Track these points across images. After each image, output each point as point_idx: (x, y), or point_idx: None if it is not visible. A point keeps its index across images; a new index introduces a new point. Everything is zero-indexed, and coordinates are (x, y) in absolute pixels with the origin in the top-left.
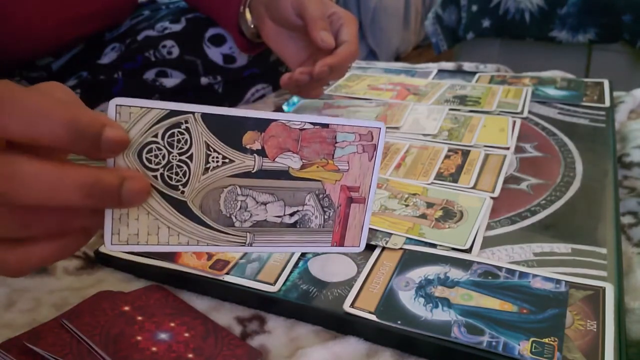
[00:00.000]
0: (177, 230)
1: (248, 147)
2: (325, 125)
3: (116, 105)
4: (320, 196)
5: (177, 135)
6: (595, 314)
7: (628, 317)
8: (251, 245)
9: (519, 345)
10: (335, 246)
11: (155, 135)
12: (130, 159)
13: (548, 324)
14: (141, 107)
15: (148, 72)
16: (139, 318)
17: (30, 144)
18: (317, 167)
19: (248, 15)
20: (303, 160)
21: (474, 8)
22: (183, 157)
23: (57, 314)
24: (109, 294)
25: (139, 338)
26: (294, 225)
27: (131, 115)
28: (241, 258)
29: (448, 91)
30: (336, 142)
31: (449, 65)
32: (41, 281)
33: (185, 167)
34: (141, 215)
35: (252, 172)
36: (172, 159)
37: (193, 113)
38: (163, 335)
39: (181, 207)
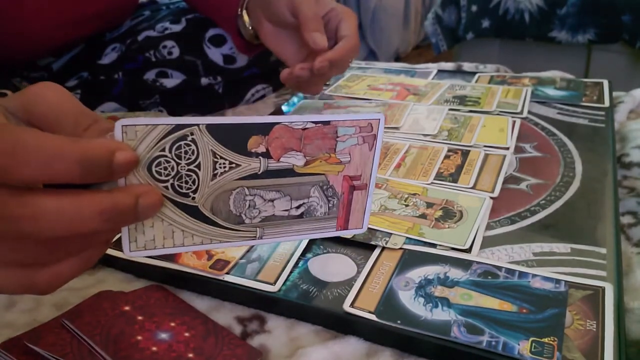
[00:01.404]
0: (191, 232)
1: (253, 150)
2: (327, 123)
3: (122, 125)
4: (324, 187)
5: (184, 147)
6: (595, 314)
7: (627, 316)
8: (261, 238)
9: (519, 345)
10: (340, 230)
11: (163, 150)
12: (141, 173)
13: (548, 324)
14: (147, 125)
15: (148, 72)
16: (140, 318)
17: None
18: (320, 161)
19: (246, 18)
20: (306, 157)
21: (474, 8)
22: (191, 167)
23: (57, 313)
24: (109, 293)
25: (140, 338)
26: (300, 216)
27: (137, 133)
28: (241, 258)
29: (448, 91)
30: (337, 137)
31: (448, 66)
32: None
33: (194, 176)
34: (155, 222)
35: (259, 173)
36: (181, 169)
37: (198, 125)
38: (163, 335)
39: (193, 212)
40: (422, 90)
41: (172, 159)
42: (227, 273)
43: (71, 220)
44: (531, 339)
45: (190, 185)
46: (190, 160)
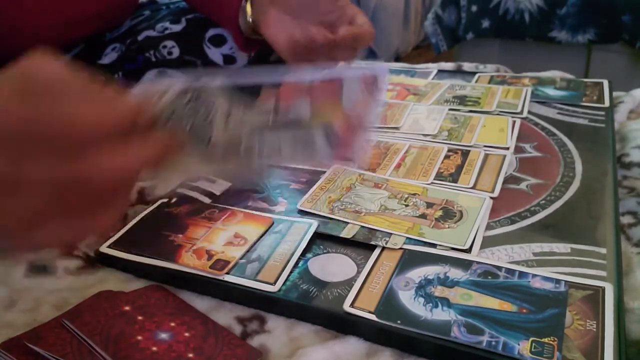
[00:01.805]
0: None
1: (264, 104)
2: (333, 77)
3: (145, 83)
4: (328, 131)
5: (199, 104)
6: (595, 314)
7: (627, 316)
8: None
9: (519, 345)
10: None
11: (180, 106)
12: (162, 127)
13: (547, 324)
14: (164, 85)
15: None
16: (140, 318)
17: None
18: (326, 112)
19: (248, 9)
20: (313, 109)
21: (474, 8)
22: (207, 119)
23: (57, 313)
24: (109, 293)
25: (140, 338)
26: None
27: (157, 92)
28: (241, 258)
29: (448, 91)
30: (343, 90)
31: (448, 66)
32: (42, 281)
33: (208, 128)
34: (177, 167)
35: (269, 124)
36: (196, 121)
37: (212, 85)
38: (163, 335)
39: (209, 156)
40: (422, 90)
41: (188, 114)
42: (227, 273)
43: (123, 170)
44: (531, 339)
45: (205, 135)
46: (205, 114)
